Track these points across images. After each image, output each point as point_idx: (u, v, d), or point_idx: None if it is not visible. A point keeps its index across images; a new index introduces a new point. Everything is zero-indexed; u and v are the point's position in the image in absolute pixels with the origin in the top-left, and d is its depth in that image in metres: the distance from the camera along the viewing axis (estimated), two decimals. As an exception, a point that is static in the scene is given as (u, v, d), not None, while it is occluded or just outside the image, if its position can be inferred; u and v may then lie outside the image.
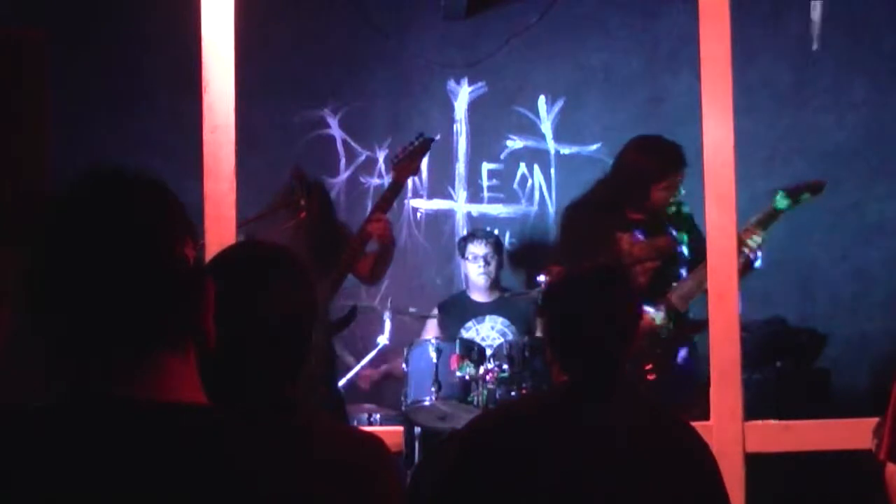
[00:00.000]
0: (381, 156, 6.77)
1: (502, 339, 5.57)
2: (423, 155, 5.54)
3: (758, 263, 5.00)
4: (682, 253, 5.18)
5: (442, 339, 4.96)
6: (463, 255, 6.07)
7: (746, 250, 4.94)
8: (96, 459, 1.38)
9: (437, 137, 5.61)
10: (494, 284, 5.99)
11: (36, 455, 1.39)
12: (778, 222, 5.06)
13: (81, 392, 1.44)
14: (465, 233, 6.49)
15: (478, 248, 5.98)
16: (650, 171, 5.10)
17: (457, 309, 6.00)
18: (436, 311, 6.04)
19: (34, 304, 1.45)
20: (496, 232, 6.26)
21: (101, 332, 1.44)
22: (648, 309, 4.97)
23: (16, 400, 1.51)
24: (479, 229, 6.28)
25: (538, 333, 5.48)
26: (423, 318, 6.04)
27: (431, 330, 5.94)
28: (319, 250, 5.27)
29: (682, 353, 5.15)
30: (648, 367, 4.95)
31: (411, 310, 6.09)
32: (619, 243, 5.11)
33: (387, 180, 6.45)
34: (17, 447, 1.40)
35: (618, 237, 5.12)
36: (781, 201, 5.00)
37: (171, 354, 1.45)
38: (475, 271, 5.97)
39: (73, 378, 1.44)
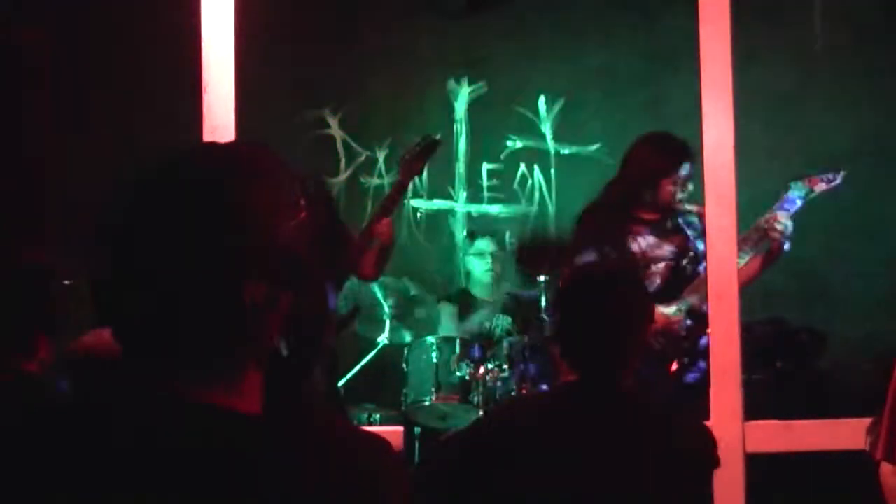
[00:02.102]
0: (381, 156, 6.76)
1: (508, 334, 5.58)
2: (428, 157, 5.52)
3: (787, 246, 5.00)
4: (698, 252, 5.11)
5: (441, 339, 4.96)
6: (468, 252, 6.07)
7: (776, 235, 4.94)
8: (95, 459, 1.38)
9: (438, 137, 5.60)
10: (498, 283, 5.99)
11: (35, 454, 1.39)
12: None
13: (88, 393, 1.44)
14: (464, 233, 6.50)
15: (485, 245, 5.99)
16: (658, 166, 5.07)
17: (460, 304, 6.00)
18: (442, 305, 6.02)
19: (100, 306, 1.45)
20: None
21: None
22: (662, 308, 4.96)
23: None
24: (486, 229, 6.28)
25: (545, 333, 5.48)
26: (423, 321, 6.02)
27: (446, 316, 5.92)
28: (321, 251, 5.25)
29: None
30: (669, 365, 4.94)
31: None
32: (632, 245, 5.09)
33: (387, 180, 6.46)
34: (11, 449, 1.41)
35: (631, 239, 5.11)
36: (796, 189, 5.01)
37: (193, 359, 1.45)
38: (481, 268, 5.97)
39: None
